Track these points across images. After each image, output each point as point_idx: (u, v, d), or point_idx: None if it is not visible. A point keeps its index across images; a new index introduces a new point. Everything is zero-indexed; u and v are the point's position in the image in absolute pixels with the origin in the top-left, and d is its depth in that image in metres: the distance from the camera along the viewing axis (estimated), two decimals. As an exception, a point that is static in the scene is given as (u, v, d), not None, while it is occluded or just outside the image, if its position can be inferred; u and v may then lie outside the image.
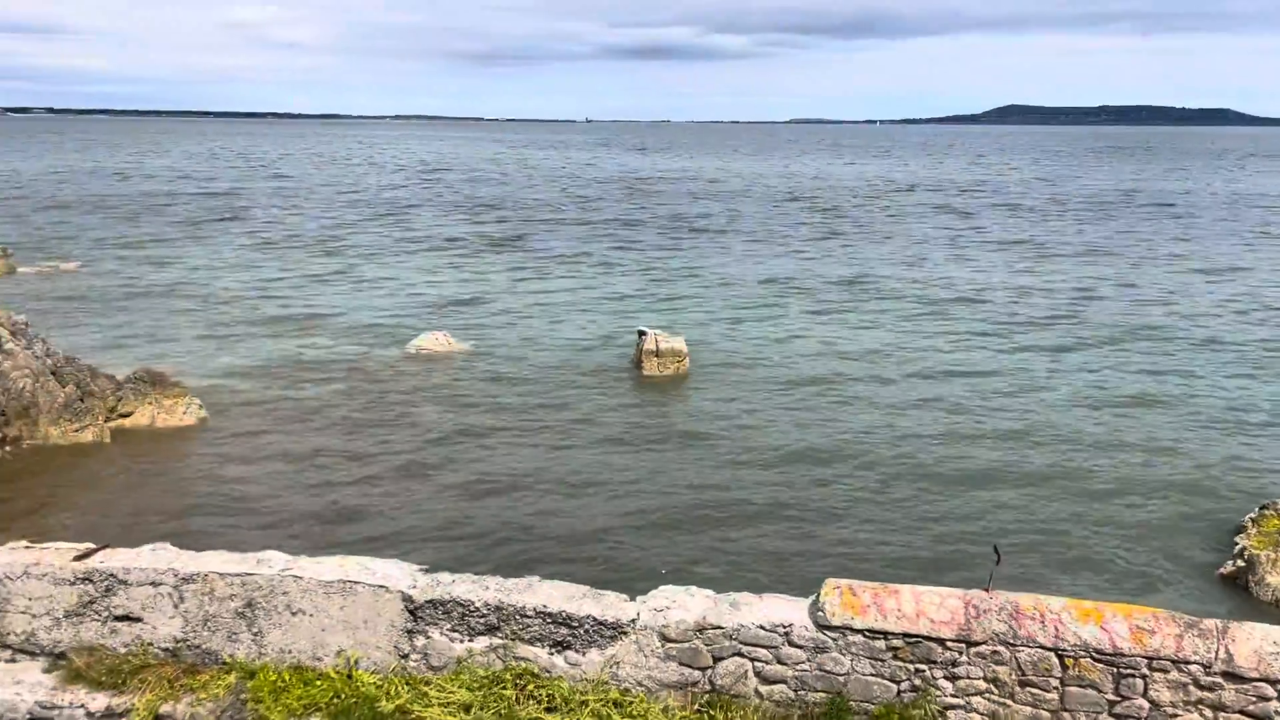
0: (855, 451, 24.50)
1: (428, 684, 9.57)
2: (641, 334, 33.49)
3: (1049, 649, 8.93)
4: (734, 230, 73.38)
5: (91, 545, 10.28)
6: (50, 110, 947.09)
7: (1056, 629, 8.93)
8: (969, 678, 9.10)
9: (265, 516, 20.71)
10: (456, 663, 9.73)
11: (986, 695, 9.10)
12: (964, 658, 9.07)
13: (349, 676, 9.63)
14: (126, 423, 26.58)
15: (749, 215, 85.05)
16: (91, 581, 9.76)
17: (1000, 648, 9.00)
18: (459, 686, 9.50)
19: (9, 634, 9.97)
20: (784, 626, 9.34)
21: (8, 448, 24.84)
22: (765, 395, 29.47)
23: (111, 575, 9.77)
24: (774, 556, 18.82)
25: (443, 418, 27.20)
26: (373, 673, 9.71)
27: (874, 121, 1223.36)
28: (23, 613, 9.94)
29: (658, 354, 32.27)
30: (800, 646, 9.33)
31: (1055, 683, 8.96)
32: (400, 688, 9.51)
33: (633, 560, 18.57)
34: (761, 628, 9.37)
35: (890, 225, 76.52)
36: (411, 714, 9.28)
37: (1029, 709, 9.02)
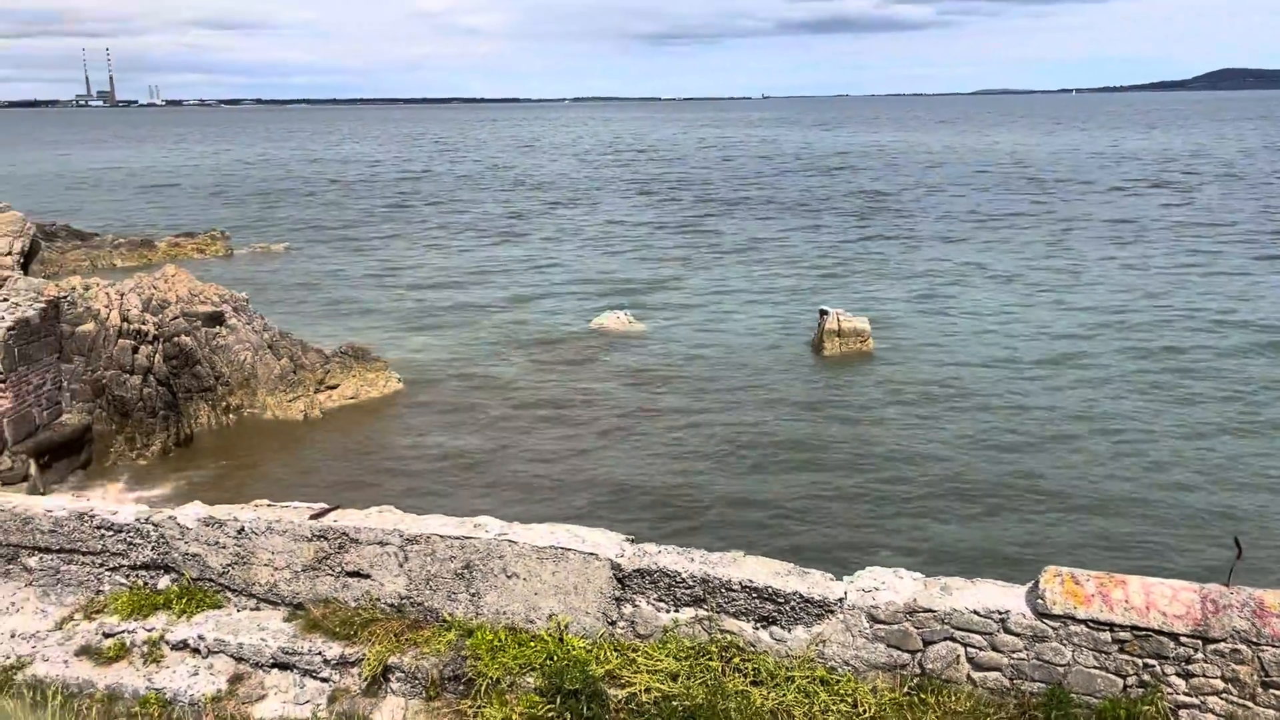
0: (1051, 439, 23.42)
1: (635, 651, 9.77)
2: (823, 313, 32.96)
3: (1299, 650, 8.31)
4: (922, 208, 71.01)
5: (325, 505, 10.99)
6: (258, 101, 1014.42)
7: (1307, 629, 8.30)
8: (1204, 676, 8.57)
9: (465, 482, 21.67)
10: (662, 632, 9.89)
11: (1224, 695, 8.55)
12: (1199, 655, 8.55)
13: (560, 639, 9.95)
14: (334, 394, 28.29)
15: (938, 192, 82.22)
16: (326, 539, 10.46)
17: (1241, 646, 8.43)
18: (666, 655, 9.66)
19: (254, 584, 10.81)
20: (999, 613, 9.04)
21: (231, 415, 26.87)
22: (952, 377, 28.51)
23: (344, 534, 10.43)
24: (969, 543, 18.26)
25: (626, 394, 27.67)
26: (582, 637, 9.99)
27: (1069, 90, 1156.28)
28: (266, 565, 10.76)
29: (839, 334, 31.68)
30: (1017, 634, 9.01)
31: (1305, 686, 8.34)
32: (609, 653, 9.75)
33: (822, 541, 18.41)
34: (975, 613, 9.10)
35: (1097, 203, 71.80)
36: (621, 679, 9.50)
37: (1273, 712, 8.43)
